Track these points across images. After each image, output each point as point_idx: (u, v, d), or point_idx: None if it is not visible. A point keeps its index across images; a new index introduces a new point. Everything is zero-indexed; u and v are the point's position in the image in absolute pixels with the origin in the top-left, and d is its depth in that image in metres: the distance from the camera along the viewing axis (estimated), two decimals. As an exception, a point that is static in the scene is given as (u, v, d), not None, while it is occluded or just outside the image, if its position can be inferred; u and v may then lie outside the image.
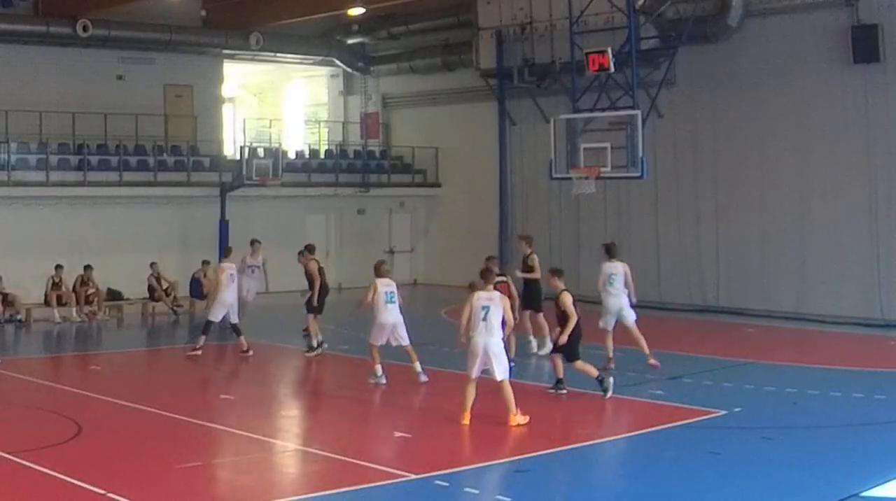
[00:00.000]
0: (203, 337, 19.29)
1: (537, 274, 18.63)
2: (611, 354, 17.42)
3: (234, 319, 19.52)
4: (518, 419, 13.38)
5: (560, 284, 15.52)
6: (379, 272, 16.79)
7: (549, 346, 17.59)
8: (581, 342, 15.41)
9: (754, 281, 25.39)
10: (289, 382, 18.19)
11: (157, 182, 28.26)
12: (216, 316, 19.38)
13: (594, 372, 15.26)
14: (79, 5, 27.45)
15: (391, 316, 16.39)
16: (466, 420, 13.41)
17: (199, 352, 19.11)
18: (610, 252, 17.83)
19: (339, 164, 32.87)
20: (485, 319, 13.36)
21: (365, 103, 35.12)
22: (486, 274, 14.19)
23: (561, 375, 15.48)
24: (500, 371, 13.42)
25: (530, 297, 18.73)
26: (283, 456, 12.71)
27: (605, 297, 17.55)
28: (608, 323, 17.49)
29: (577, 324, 15.11)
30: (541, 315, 18.65)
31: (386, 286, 16.51)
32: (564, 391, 15.44)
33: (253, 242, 23.02)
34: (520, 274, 18.81)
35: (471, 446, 12.90)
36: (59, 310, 24.47)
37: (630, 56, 23.48)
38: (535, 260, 18.85)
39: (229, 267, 19.73)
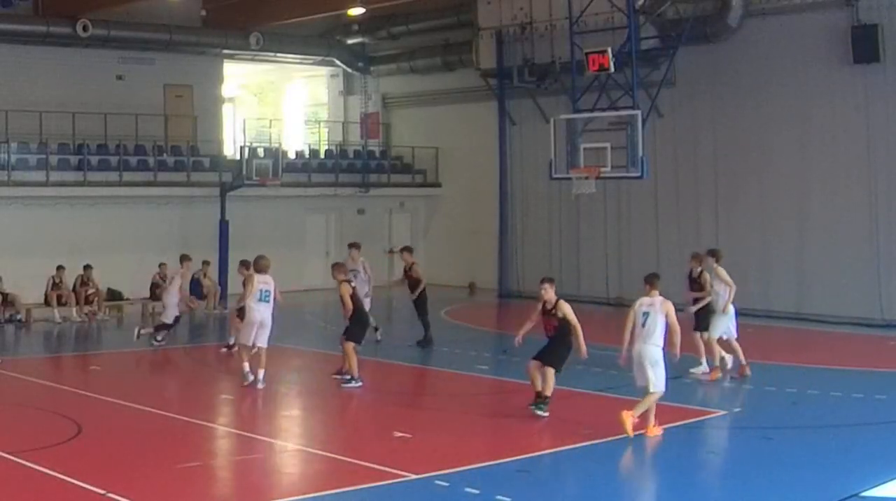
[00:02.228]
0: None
1: (707, 292, 17.50)
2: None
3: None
4: (655, 431, 12.85)
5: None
6: (258, 267, 16.47)
7: (704, 367, 17.10)
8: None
9: (754, 282, 25.36)
10: (288, 382, 18.18)
11: (157, 182, 28.25)
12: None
13: (550, 391, 14.06)
14: (79, 5, 27.43)
15: (259, 315, 16.10)
16: (623, 421, 12.77)
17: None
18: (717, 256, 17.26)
19: (339, 164, 32.86)
20: (644, 325, 12.89)
21: (365, 103, 35.11)
22: (651, 279, 13.39)
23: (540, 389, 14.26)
24: (654, 381, 12.82)
25: (701, 316, 17.56)
26: (283, 456, 12.70)
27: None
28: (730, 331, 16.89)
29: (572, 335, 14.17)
30: (706, 334, 17.56)
31: (263, 283, 16.23)
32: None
33: (350, 246, 21.62)
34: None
35: (471, 446, 12.89)
36: (59, 310, 24.46)
37: (630, 56, 23.46)
38: (707, 277, 17.66)
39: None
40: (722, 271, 17.07)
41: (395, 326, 23.63)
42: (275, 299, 16.41)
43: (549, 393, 14.02)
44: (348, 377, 16.61)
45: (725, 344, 17.05)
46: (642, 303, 13.06)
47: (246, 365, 16.29)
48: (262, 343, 16.21)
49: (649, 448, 12.79)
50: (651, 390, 12.82)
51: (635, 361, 12.91)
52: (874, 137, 23.59)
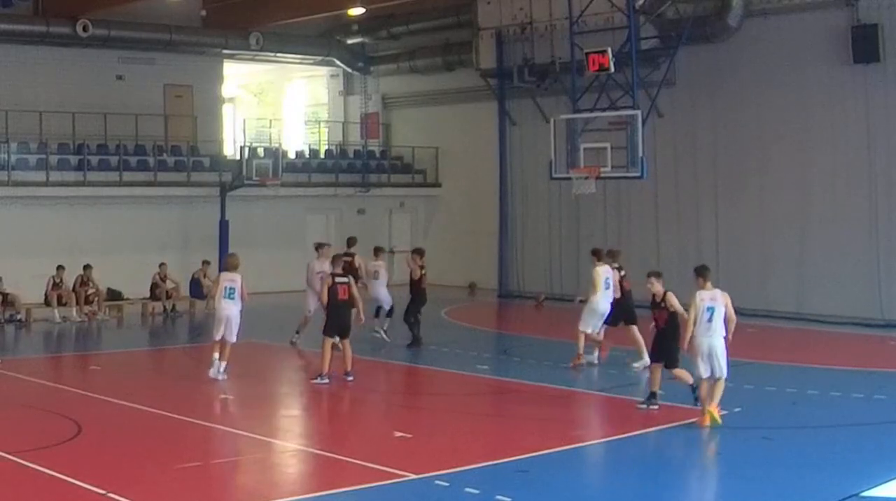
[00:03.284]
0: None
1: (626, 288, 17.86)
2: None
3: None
4: (715, 414, 13.42)
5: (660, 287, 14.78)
6: (225, 265, 17.03)
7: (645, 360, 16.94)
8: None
9: (754, 282, 25.37)
10: (288, 382, 18.19)
11: (157, 182, 28.25)
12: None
13: (690, 379, 14.42)
14: (79, 5, 27.43)
15: (226, 311, 16.56)
16: (710, 411, 13.40)
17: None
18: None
19: (339, 164, 32.87)
20: (710, 320, 13.31)
21: (365, 103, 35.13)
22: (703, 271, 13.80)
23: (657, 388, 14.61)
24: (720, 369, 13.41)
25: (624, 310, 17.86)
26: (283, 456, 12.70)
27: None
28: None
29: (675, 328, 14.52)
30: (634, 327, 17.78)
31: (229, 281, 16.64)
32: (657, 406, 14.50)
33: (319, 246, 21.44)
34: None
35: (471, 446, 12.89)
36: (59, 310, 24.45)
37: (630, 56, 23.47)
38: (618, 276, 17.86)
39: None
40: (596, 270, 17.57)
41: (395, 327, 23.59)
42: (241, 297, 16.68)
43: (654, 388, 14.57)
44: (351, 376, 16.62)
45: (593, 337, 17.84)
46: (703, 298, 13.43)
47: (216, 355, 16.70)
48: (231, 337, 16.65)
49: (649, 448, 12.80)
50: (718, 376, 13.39)
51: (705, 353, 13.34)
52: (874, 137, 23.60)
